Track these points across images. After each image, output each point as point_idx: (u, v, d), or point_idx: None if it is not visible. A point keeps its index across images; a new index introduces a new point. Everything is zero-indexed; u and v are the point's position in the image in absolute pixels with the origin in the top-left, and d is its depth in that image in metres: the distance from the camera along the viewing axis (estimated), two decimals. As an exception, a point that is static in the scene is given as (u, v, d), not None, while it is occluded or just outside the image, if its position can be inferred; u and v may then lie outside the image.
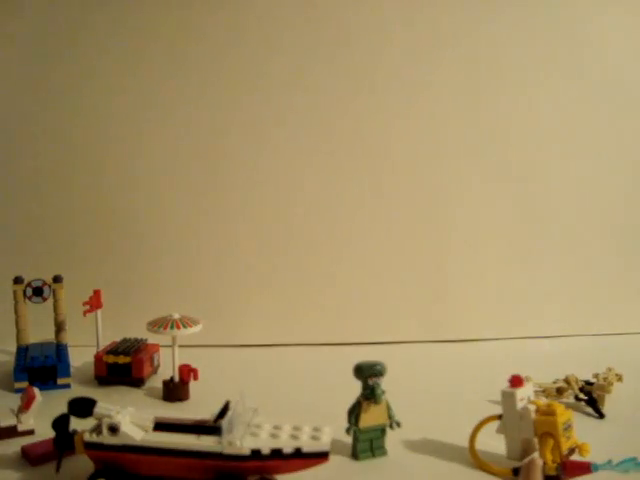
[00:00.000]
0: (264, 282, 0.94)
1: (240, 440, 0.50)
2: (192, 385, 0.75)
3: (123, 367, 0.78)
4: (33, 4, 0.89)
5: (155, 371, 0.82)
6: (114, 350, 0.79)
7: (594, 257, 0.98)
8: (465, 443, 0.58)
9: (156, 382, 0.78)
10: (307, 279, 0.95)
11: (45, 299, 0.81)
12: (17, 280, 0.80)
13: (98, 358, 0.78)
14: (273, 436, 0.50)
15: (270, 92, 0.92)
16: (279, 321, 0.94)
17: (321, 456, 0.50)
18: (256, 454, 0.49)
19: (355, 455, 0.59)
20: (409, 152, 0.94)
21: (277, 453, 0.49)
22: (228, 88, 0.92)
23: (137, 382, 0.78)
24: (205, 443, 0.50)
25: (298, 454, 0.49)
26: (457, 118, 0.94)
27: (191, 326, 0.74)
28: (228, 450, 0.49)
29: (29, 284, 0.80)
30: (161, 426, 0.52)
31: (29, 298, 0.81)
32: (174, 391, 0.74)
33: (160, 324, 0.74)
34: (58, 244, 0.91)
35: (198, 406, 0.73)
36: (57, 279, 0.81)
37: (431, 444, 0.62)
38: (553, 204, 0.97)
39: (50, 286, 0.81)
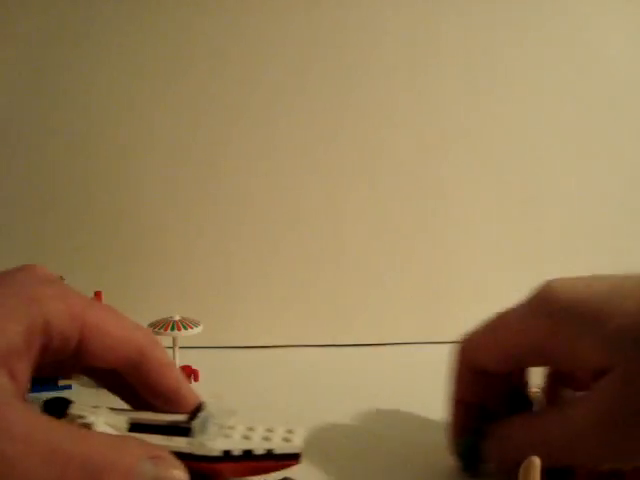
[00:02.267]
0: (266, 284, 0.94)
1: (211, 441, 0.49)
2: (193, 386, 0.75)
3: (124, 368, 0.78)
4: (35, 3, 0.89)
5: (156, 372, 0.82)
6: (115, 351, 0.79)
7: (595, 259, 0.98)
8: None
9: (157, 383, 0.78)
10: (309, 281, 0.95)
11: (47, 301, 0.81)
12: (20, 282, 0.80)
13: (99, 359, 0.78)
14: (245, 438, 0.50)
15: (269, 93, 0.92)
16: (280, 323, 0.94)
17: (292, 458, 0.49)
18: (227, 455, 0.49)
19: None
20: (411, 154, 0.94)
21: (248, 454, 0.49)
22: (230, 90, 0.92)
23: (138, 383, 0.78)
24: (176, 444, 0.49)
25: (269, 456, 0.49)
26: (458, 119, 0.94)
27: (192, 327, 0.74)
28: (199, 451, 0.48)
29: (32, 286, 0.80)
30: (136, 427, 0.51)
31: (32, 300, 0.80)
32: (174, 392, 0.74)
33: (161, 325, 0.74)
34: (60, 246, 0.92)
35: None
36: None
37: (432, 444, 0.62)
38: (555, 205, 0.96)
39: (53, 288, 0.81)
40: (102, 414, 0.50)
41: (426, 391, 0.76)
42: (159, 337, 0.75)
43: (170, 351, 0.75)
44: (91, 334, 0.45)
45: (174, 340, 0.74)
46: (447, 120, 0.93)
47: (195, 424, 0.49)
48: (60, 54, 0.90)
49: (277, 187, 0.93)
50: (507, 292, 0.95)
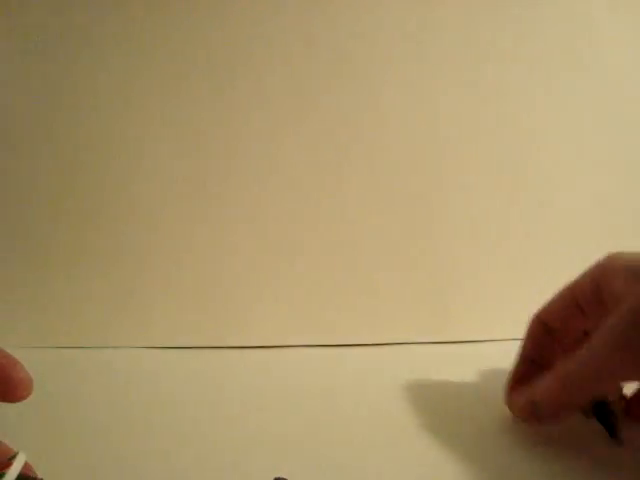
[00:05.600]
0: (265, 283, 0.94)
1: None
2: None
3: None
4: (37, 3, 0.89)
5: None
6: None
7: (598, 257, 0.98)
8: (468, 445, 0.58)
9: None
10: (309, 280, 0.94)
11: None
12: None
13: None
14: None
15: (266, 90, 0.92)
16: (279, 322, 0.94)
17: None
18: None
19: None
20: (411, 152, 0.94)
21: None
22: (228, 88, 0.92)
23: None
24: None
25: None
26: (457, 113, 0.93)
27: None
28: None
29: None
30: None
31: None
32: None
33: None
34: (58, 245, 0.91)
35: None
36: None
37: (434, 443, 0.61)
38: (557, 204, 0.96)
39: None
40: None
41: (427, 391, 0.76)
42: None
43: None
44: None
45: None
46: (448, 119, 0.93)
47: None
48: (63, 52, 0.90)
49: (275, 187, 0.93)
50: (508, 292, 0.96)
